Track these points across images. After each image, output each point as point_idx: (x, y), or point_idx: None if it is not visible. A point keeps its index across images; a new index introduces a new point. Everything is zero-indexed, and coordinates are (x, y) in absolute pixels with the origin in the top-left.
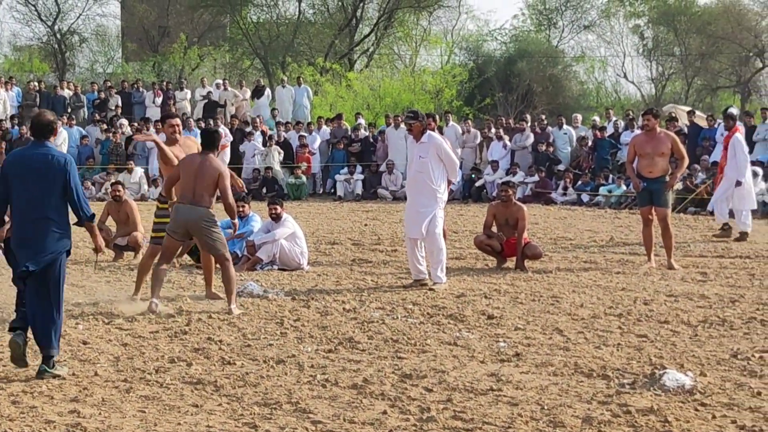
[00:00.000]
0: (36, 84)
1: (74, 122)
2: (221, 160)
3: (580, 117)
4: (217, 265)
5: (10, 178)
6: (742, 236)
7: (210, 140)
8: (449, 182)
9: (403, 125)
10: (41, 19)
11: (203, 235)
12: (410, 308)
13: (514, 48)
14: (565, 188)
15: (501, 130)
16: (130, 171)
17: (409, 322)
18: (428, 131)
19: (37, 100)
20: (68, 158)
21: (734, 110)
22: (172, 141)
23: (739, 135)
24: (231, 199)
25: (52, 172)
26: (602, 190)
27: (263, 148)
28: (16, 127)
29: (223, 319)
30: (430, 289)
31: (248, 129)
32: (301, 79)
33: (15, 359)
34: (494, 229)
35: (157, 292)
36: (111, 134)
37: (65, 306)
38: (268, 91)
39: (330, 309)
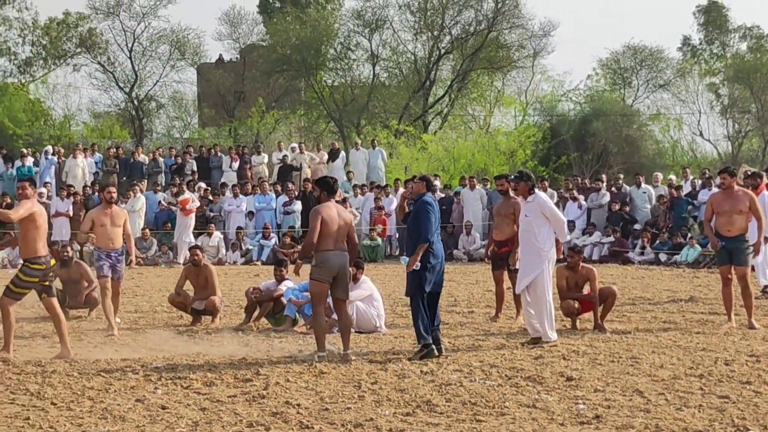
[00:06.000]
0: (114, 150)
1: (159, 188)
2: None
3: (660, 176)
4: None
5: None
6: (766, 291)
7: (331, 187)
8: (558, 241)
9: (478, 186)
10: (119, 86)
11: (345, 279)
12: (488, 370)
13: (589, 108)
14: (643, 248)
15: (575, 191)
16: (209, 234)
17: (487, 385)
18: (535, 191)
19: (117, 166)
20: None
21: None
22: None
23: (767, 191)
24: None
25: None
26: (683, 251)
27: None
28: (97, 194)
29: (301, 383)
30: (540, 347)
31: None
32: (375, 141)
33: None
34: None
35: (323, 342)
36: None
37: (145, 370)
38: (343, 153)
39: (407, 371)
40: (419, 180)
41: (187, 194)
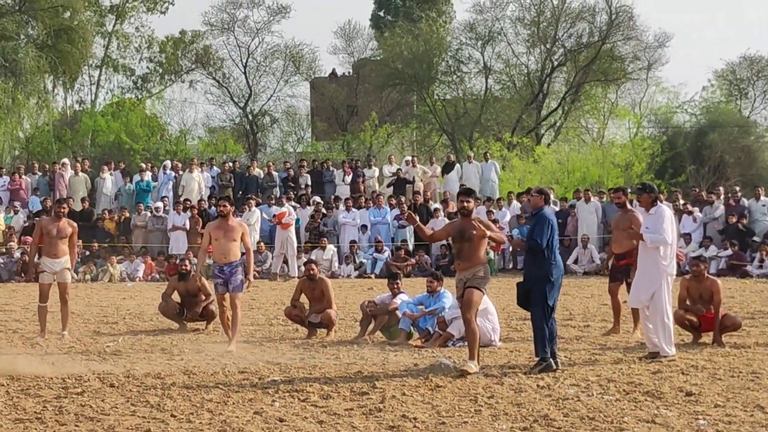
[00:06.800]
0: (230, 164)
1: (273, 202)
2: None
3: None
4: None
5: None
6: None
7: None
8: (678, 255)
9: (594, 199)
10: (234, 101)
11: None
12: (605, 385)
13: (705, 119)
14: (761, 261)
15: (688, 204)
16: (323, 248)
17: (605, 399)
18: (659, 203)
19: (232, 180)
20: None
21: None
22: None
23: None
24: None
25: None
26: None
27: None
28: (213, 207)
29: (417, 397)
30: (658, 361)
31: (434, 206)
32: (488, 154)
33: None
34: (687, 302)
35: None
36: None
37: (262, 383)
38: (458, 166)
39: (524, 386)
40: (537, 194)
41: (285, 207)
